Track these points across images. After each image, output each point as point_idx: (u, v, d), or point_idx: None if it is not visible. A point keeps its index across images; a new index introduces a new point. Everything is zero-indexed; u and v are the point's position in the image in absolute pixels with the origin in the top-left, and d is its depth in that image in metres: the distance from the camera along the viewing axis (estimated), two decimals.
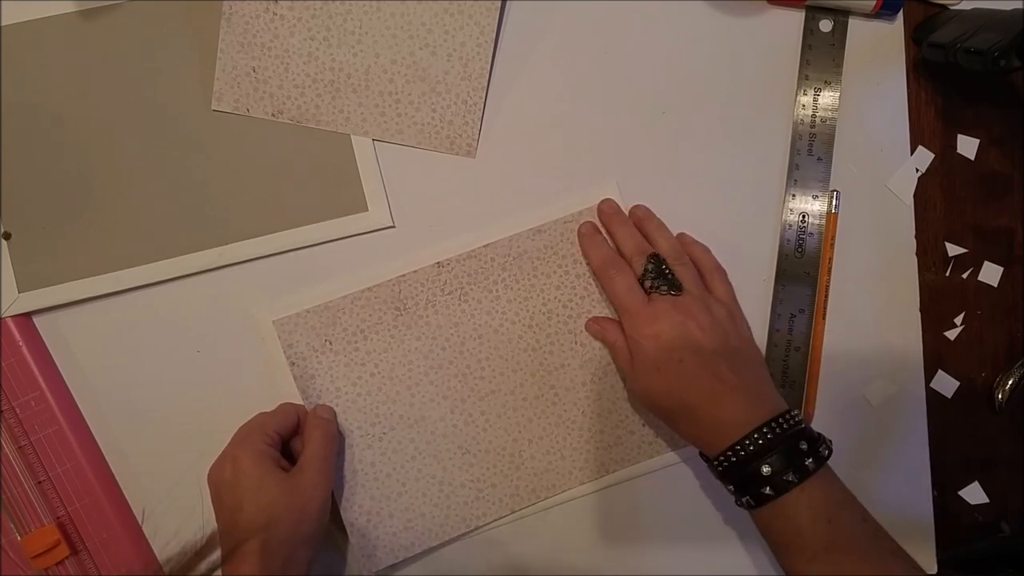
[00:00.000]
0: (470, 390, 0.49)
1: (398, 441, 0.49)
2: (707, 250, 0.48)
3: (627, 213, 0.49)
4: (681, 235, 0.49)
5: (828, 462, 0.41)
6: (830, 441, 0.42)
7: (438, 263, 0.49)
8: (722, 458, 0.41)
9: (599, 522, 0.49)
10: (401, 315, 0.49)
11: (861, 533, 0.40)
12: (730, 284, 0.47)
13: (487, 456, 0.49)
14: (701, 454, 0.44)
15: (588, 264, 0.48)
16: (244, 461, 0.43)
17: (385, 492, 0.49)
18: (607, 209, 0.48)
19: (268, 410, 0.47)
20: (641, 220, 0.48)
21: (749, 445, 0.40)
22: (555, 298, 0.49)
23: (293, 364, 0.48)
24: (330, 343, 0.48)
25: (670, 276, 0.45)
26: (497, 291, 0.49)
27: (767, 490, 0.40)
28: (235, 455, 0.43)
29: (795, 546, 0.40)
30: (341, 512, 0.48)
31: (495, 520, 0.49)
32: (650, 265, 0.45)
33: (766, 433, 0.40)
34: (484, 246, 0.49)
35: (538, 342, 0.49)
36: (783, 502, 0.40)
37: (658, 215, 0.49)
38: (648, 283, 0.45)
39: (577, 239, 0.48)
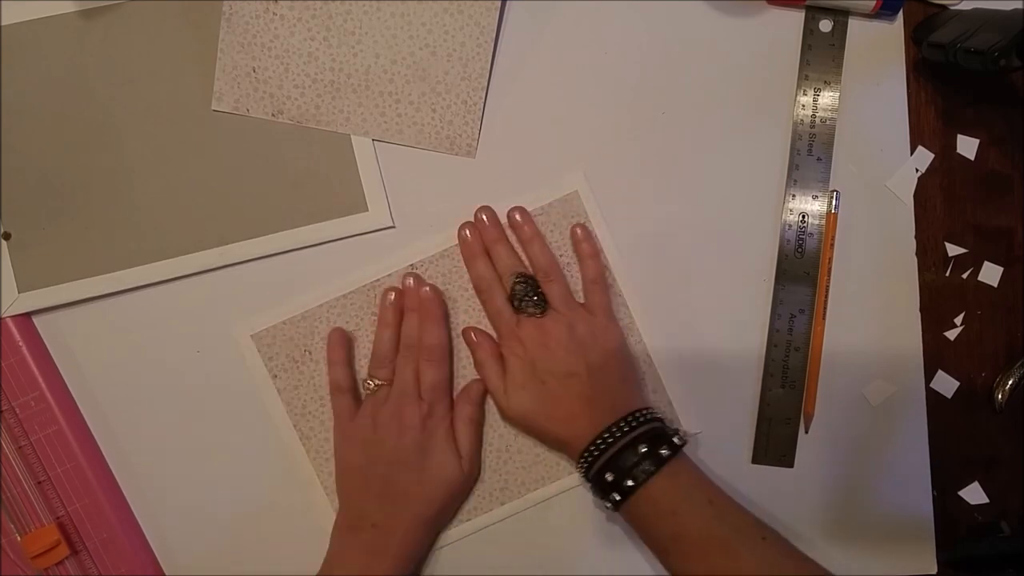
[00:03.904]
0: (453, 388, 0.49)
1: None
2: (595, 254, 0.48)
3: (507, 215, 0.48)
4: (577, 229, 0.48)
5: (684, 454, 0.44)
6: (677, 435, 0.44)
7: (411, 265, 0.49)
8: (578, 466, 0.45)
9: (597, 520, 0.49)
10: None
11: (705, 516, 0.42)
12: (607, 293, 0.48)
13: None
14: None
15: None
16: None
17: None
18: (484, 219, 0.48)
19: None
20: (515, 228, 0.48)
21: (594, 450, 0.43)
22: None
23: (275, 376, 0.49)
24: (309, 352, 0.48)
25: (535, 297, 0.46)
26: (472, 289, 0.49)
27: (615, 495, 0.43)
28: None
29: (650, 542, 0.44)
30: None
31: (486, 513, 0.49)
32: (518, 286, 0.47)
33: (607, 438, 0.43)
34: (455, 245, 0.49)
35: None
36: (633, 503, 0.43)
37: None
38: (516, 304, 0.47)
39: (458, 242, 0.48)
